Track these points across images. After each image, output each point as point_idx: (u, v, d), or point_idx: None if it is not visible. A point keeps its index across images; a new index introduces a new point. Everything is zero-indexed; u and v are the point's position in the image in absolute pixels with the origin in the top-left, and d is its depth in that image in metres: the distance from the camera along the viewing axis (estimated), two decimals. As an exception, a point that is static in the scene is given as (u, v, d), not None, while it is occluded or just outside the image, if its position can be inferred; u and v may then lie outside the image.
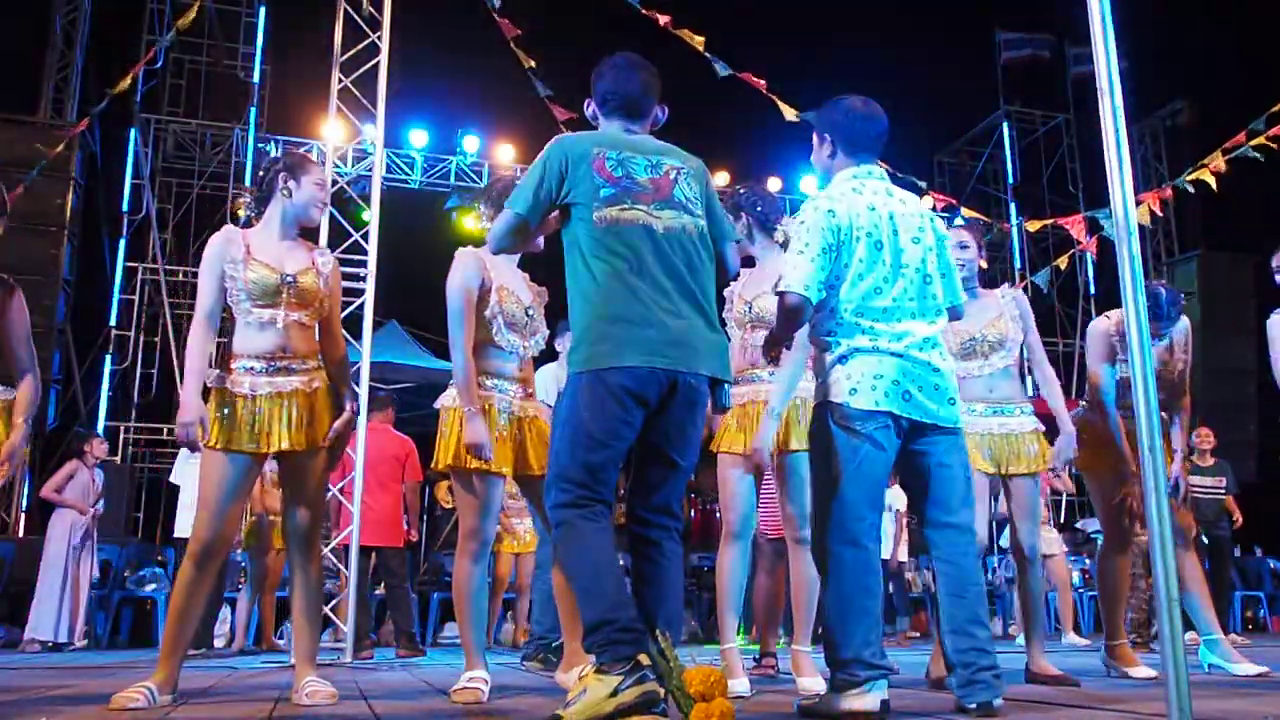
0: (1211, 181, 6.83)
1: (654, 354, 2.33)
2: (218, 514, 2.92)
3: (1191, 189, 7.02)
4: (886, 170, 2.84)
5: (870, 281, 2.58)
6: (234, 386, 2.98)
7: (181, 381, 3.06)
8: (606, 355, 2.33)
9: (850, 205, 2.61)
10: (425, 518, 8.87)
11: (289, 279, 3.04)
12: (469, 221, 12.14)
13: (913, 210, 2.70)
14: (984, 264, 3.70)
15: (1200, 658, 3.87)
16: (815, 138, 2.82)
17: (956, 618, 2.52)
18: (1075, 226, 7.81)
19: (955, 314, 2.81)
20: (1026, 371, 4.07)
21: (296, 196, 3.14)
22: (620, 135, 2.59)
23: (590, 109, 2.70)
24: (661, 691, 2.08)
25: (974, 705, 2.43)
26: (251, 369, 2.99)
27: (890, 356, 2.53)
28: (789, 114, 6.59)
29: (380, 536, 6.23)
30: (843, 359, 2.55)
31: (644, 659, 2.09)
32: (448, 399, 3.23)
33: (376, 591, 7.10)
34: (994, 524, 3.77)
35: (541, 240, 3.25)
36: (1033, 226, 8.96)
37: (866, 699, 2.38)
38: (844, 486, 2.49)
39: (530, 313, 3.29)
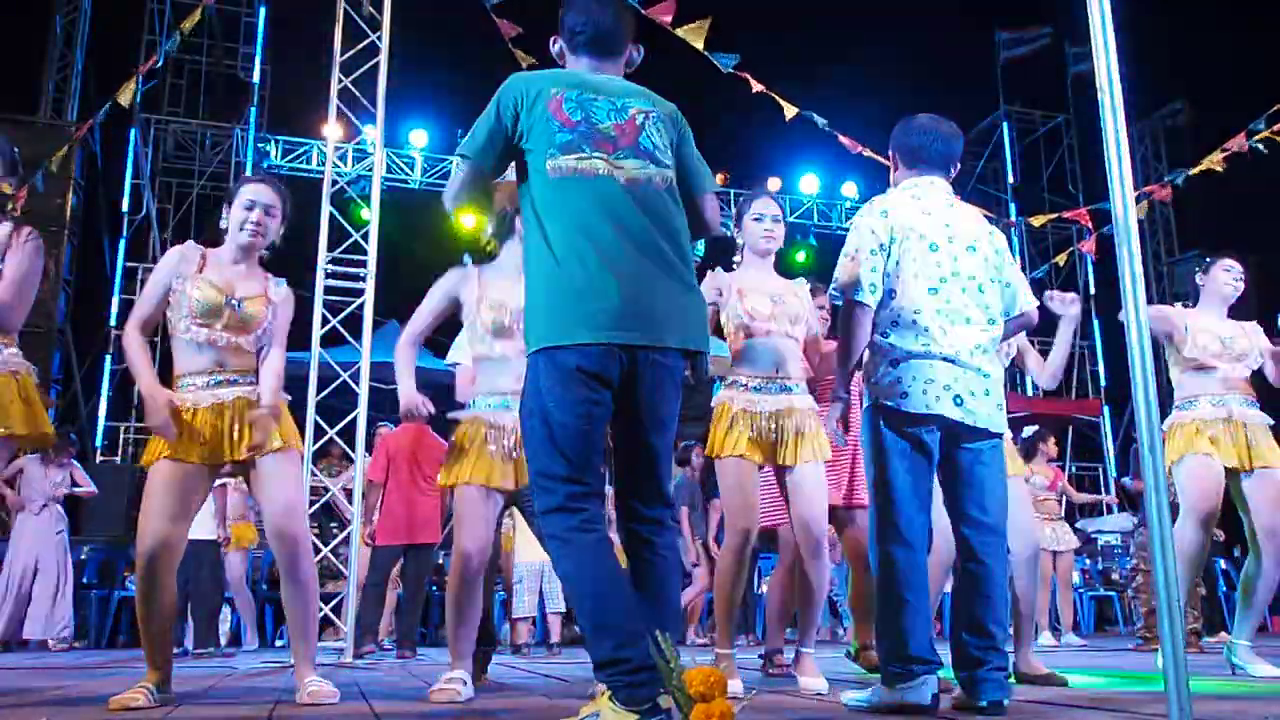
0: (1216, 168, 6.84)
1: (609, 328, 2.07)
2: (153, 524, 2.86)
3: (1180, 183, 7.03)
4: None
5: (924, 282, 2.60)
6: (180, 403, 2.97)
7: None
8: (557, 332, 2.09)
9: (906, 208, 2.67)
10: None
11: (234, 302, 3.02)
12: (466, 220, 12.22)
13: (971, 222, 2.74)
14: None
15: (1225, 655, 3.88)
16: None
17: (977, 617, 2.54)
18: (1080, 220, 7.82)
19: (1024, 324, 2.84)
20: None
21: (227, 224, 3.14)
22: (583, 74, 2.31)
23: (556, 45, 2.41)
24: None
25: (985, 703, 2.46)
26: (194, 385, 3.00)
27: (943, 361, 2.56)
28: (789, 111, 6.59)
29: (416, 535, 6.26)
30: (895, 362, 2.58)
31: (665, 703, 1.95)
32: (461, 415, 3.30)
33: (397, 590, 7.13)
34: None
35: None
36: (1037, 221, 8.98)
37: (920, 693, 2.43)
38: (897, 489, 2.54)
39: (519, 315, 3.27)
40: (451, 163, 12.07)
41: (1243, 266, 4.12)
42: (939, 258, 2.62)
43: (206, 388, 2.99)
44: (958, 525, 2.66)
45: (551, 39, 2.43)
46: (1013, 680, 3.47)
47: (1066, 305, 3.59)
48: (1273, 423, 3.94)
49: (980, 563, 2.58)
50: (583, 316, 2.08)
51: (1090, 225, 7.78)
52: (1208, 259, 4.20)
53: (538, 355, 2.13)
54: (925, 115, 2.83)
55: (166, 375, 3.08)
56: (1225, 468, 3.82)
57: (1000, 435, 2.68)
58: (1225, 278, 4.08)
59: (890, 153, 2.85)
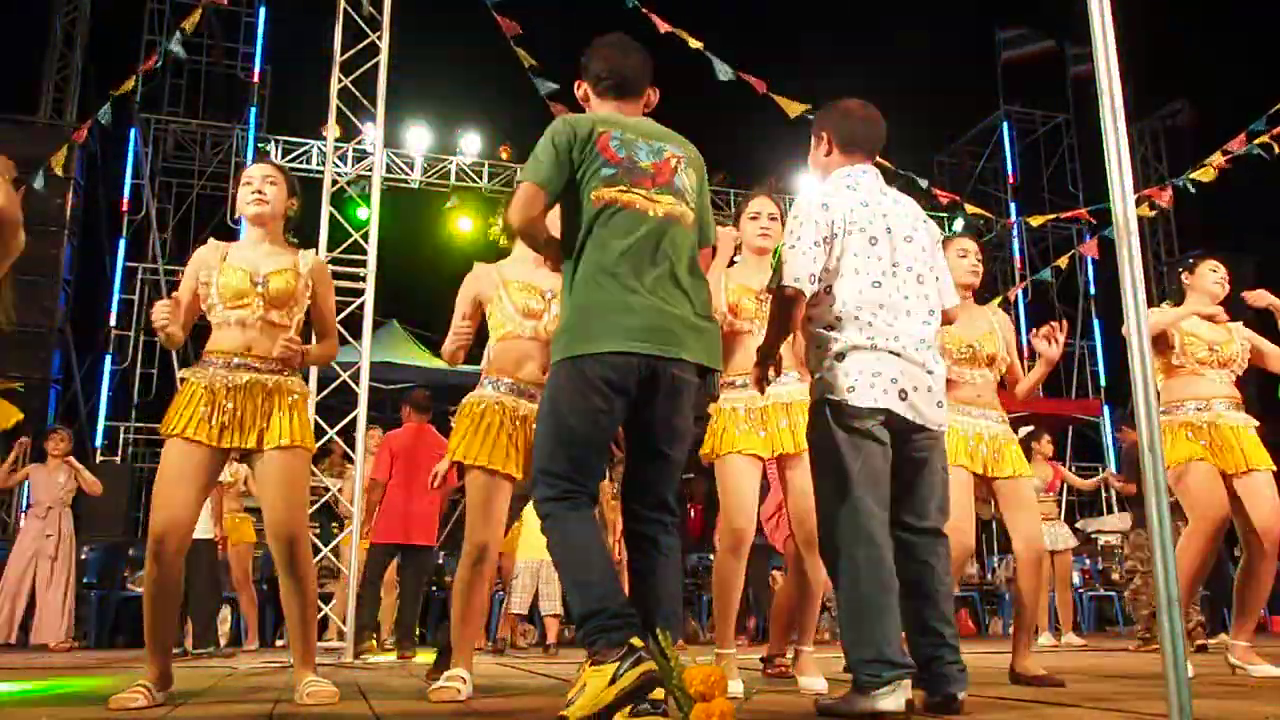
0: (1214, 170, 6.85)
1: (632, 340, 2.28)
2: (166, 504, 2.88)
3: (1192, 188, 7.04)
4: (889, 168, 2.83)
5: (866, 276, 2.58)
6: (196, 378, 3.01)
7: (179, 373, 3.08)
8: (583, 341, 2.30)
9: (843, 201, 2.63)
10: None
11: (259, 280, 3.07)
12: (464, 222, 12.20)
13: (906, 210, 2.71)
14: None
15: (1226, 657, 3.87)
16: (813, 138, 2.83)
17: (923, 616, 2.52)
18: (1082, 218, 7.83)
19: (947, 318, 2.82)
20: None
21: (240, 213, 3.24)
22: (622, 117, 2.54)
23: (581, 90, 2.63)
24: (656, 667, 2.05)
25: (939, 698, 2.45)
26: (216, 364, 3.03)
27: (888, 355, 2.53)
28: (791, 110, 6.59)
29: (415, 535, 6.26)
30: (840, 356, 2.55)
31: (637, 642, 2.06)
32: (472, 396, 3.29)
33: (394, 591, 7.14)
34: (993, 523, 3.78)
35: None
36: (1036, 221, 8.99)
37: (892, 699, 2.35)
38: (852, 485, 2.48)
39: (549, 295, 3.28)
40: (451, 162, 12.08)
41: (1227, 269, 4.12)
42: (879, 251, 2.60)
43: (227, 368, 3.01)
44: (895, 527, 2.58)
45: (576, 83, 2.65)
46: (997, 679, 3.46)
47: (1048, 346, 3.60)
48: (1257, 424, 3.95)
49: (920, 563, 2.56)
50: (610, 329, 2.29)
51: (1091, 221, 7.79)
52: (1191, 259, 4.21)
53: (561, 363, 2.34)
54: (855, 100, 2.80)
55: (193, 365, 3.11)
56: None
57: (941, 434, 2.65)
58: (1212, 278, 4.08)
59: (821, 133, 2.78)
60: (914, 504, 2.59)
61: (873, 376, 2.51)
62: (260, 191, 3.17)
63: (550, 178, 2.40)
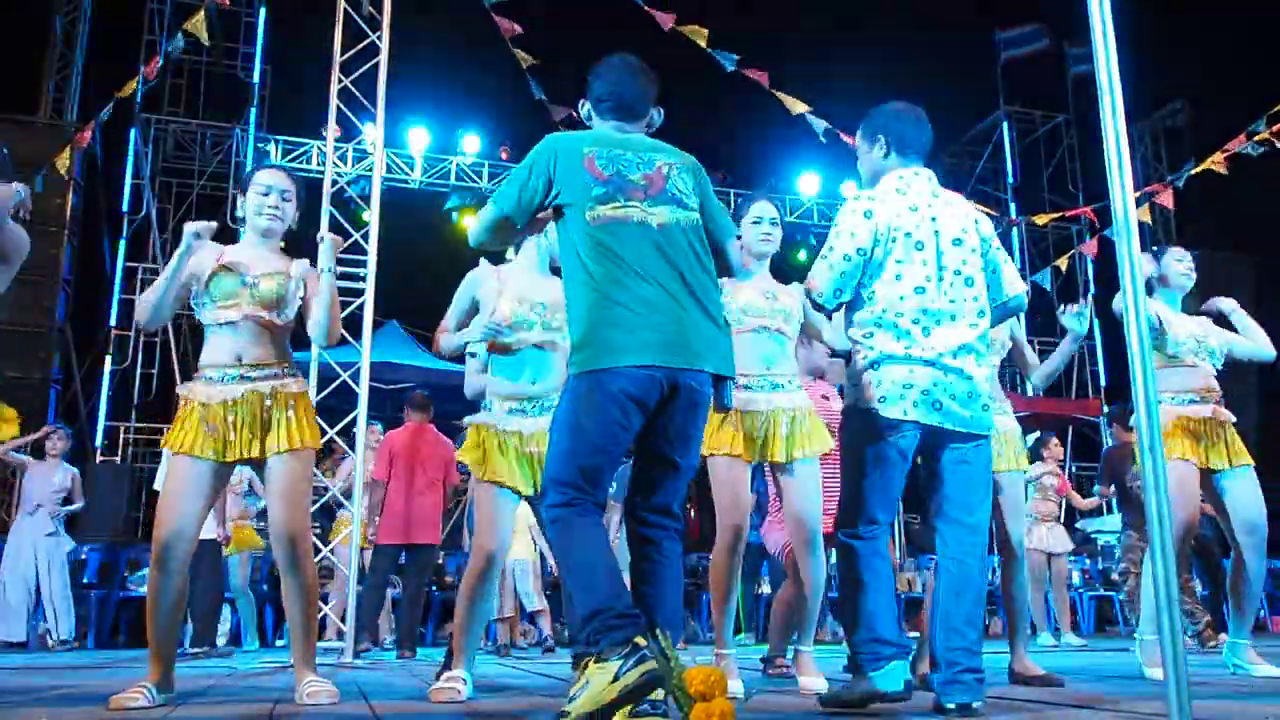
0: (1219, 168, 6.86)
1: (653, 355, 2.30)
2: (171, 516, 2.90)
3: (1180, 187, 7.04)
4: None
5: (909, 282, 2.58)
6: (193, 395, 3.02)
7: (179, 376, 3.08)
8: (605, 355, 2.31)
9: (891, 205, 2.63)
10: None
11: (250, 280, 3.06)
12: (469, 221, 12.18)
13: (957, 212, 2.70)
14: None
15: (1225, 658, 3.88)
16: (863, 142, 2.84)
17: (951, 615, 2.53)
18: (1086, 215, 7.84)
19: (1012, 309, 2.82)
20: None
21: (245, 210, 3.21)
22: (612, 134, 2.57)
23: (585, 108, 2.67)
24: (659, 666, 2.07)
25: (952, 705, 2.44)
26: (210, 379, 3.03)
27: (922, 365, 2.53)
28: (796, 107, 6.60)
29: (416, 534, 6.27)
30: (874, 364, 2.56)
31: (641, 641, 2.08)
32: (474, 418, 3.28)
33: (394, 590, 7.15)
34: (992, 524, 3.78)
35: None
36: (1041, 220, 8.99)
37: (891, 678, 2.42)
38: (864, 489, 2.56)
39: (540, 309, 3.24)
40: (451, 162, 12.08)
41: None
42: (924, 256, 2.59)
43: (223, 382, 3.01)
44: (938, 521, 2.63)
45: (580, 101, 2.69)
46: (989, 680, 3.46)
47: (1075, 320, 3.64)
48: (1235, 420, 3.93)
49: (958, 561, 2.57)
50: (630, 343, 2.30)
51: (1094, 219, 7.80)
52: (1155, 249, 4.16)
53: (582, 376, 2.35)
54: (901, 102, 2.82)
55: (186, 374, 3.10)
56: (1201, 469, 3.79)
57: (986, 435, 2.65)
58: (1180, 268, 4.02)
59: (876, 136, 2.78)
60: (958, 498, 2.61)
61: (904, 389, 2.53)
62: (277, 207, 3.17)
63: (515, 206, 2.48)
